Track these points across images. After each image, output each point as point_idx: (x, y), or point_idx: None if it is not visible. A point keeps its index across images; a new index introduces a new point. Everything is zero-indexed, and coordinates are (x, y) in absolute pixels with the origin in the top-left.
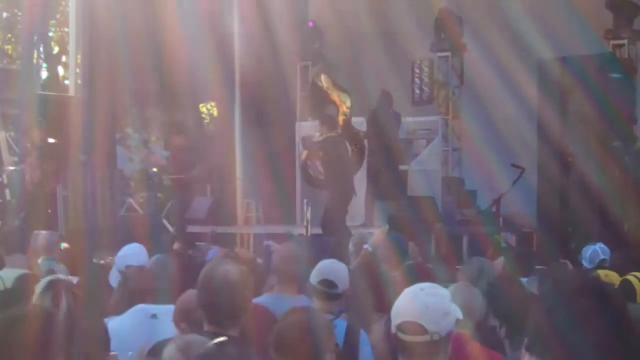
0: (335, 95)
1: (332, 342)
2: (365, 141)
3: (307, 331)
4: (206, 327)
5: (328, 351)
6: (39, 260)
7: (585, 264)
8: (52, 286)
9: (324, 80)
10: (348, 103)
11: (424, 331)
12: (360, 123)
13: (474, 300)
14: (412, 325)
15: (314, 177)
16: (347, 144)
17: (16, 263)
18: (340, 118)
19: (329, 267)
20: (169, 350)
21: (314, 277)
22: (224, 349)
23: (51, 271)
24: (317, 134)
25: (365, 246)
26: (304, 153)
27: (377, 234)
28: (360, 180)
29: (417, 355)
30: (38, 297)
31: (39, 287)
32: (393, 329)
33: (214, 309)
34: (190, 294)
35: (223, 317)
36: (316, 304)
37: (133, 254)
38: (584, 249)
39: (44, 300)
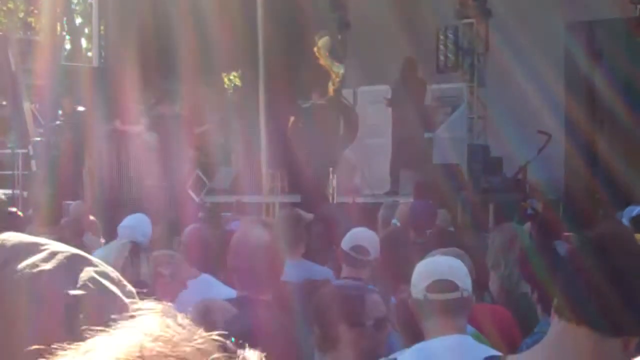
0: (328, 64)
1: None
2: (356, 114)
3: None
4: (239, 292)
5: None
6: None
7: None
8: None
9: (321, 46)
10: (341, 73)
11: (456, 287)
12: (385, 91)
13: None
14: (443, 283)
15: (300, 142)
16: (337, 114)
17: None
18: (331, 88)
19: (362, 234)
20: (191, 314)
21: (346, 243)
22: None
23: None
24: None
25: (393, 221)
26: (291, 119)
27: (402, 207)
28: (385, 149)
29: (449, 313)
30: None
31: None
32: (418, 294)
33: (247, 274)
34: None
35: (256, 281)
36: (345, 270)
37: (137, 225)
38: (628, 209)
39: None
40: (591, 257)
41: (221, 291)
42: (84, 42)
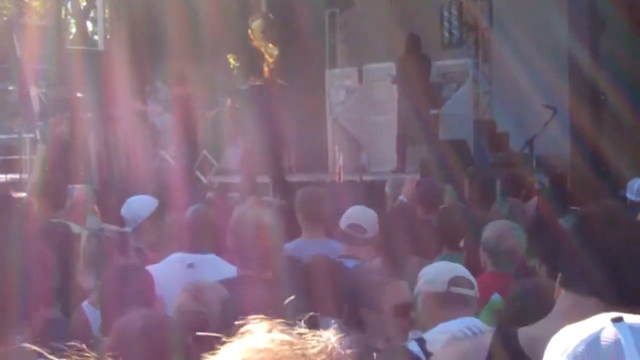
0: (262, 46)
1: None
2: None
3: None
4: (240, 272)
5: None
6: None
7: (630, 196)
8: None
9: (254, 29)
10: (275, 55)
11: (473, 285)
12: (390, 68)
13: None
14: (464, 280)
15: (238, 124)
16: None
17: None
18: (265, 69)
19: (359, 213)
20: (181, 298)
21: (344, 222)
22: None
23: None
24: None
25: (400, 197)
26: (228, 101)
27: (408, 182)
28: (390, 126)
29: (466, 307)
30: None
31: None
32: (440, 286)
33: (247, 253)
34: None
35: (256, 260)
36: (344, 248)
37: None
38: (630, 182)
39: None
40: (595, 230)
41: (226, 270)
42: (89, 26)
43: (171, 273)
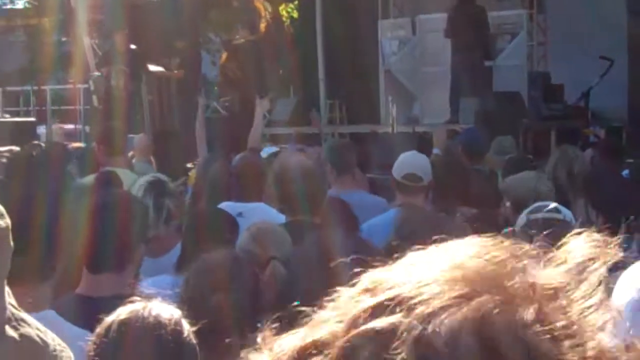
0: (257, 1)
1: None
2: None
3: None
4: (289, 218)
5: None
6: (134, 162)
7: None
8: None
9: None
10: (270, 9)
11: (558, 210)
12: (442, 19)
13: None
14: (548, 208)
15: (232, 79)
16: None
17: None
18: (262, 25)
19: (412, 160)
20: (243, 239)
21: (397, 171)
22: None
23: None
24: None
25: (434, 151)
26: (224, 55)
27: (437, 134)
28: (444, 77)
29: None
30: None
31: (137, 187)
32: (526, 219)
33: (294, 198)
34: None
35: (303, 204)
36: (399, 197)
37: None
38: None
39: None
40: None
41: (276, 218)
42: None
43: None
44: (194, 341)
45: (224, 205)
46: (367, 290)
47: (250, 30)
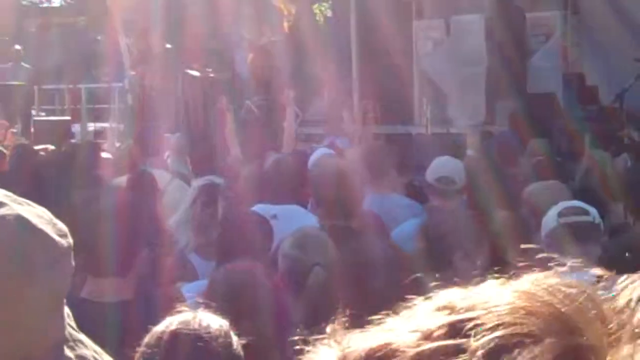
0: (279, 1)
1: None
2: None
3: None
4: (322, 222)
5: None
6: (169, 161)
7: None
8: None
9: None
10: (292, 10)
11: (586, 212)
12: (477, 20)
13: None
14: (574, 209)
15: (261, 79)
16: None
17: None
18: (285, 25)
19: (446, 164)
20: (287, 244)
21: (431, 175)
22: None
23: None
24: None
25: (468, 152)
26: (250, 56)
27: (471, 136)
28: (478, 78)
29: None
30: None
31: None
32: (552, 223)
33: (331, 201)
34: None
35: (340, 208)
36: (435, 201)
37: None
38: None
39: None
40: None
41: (310, 221)
42: None
43: None
44: (242, 353)
45: (258, 207)
46: (444, 308)
47: (272, 30)
